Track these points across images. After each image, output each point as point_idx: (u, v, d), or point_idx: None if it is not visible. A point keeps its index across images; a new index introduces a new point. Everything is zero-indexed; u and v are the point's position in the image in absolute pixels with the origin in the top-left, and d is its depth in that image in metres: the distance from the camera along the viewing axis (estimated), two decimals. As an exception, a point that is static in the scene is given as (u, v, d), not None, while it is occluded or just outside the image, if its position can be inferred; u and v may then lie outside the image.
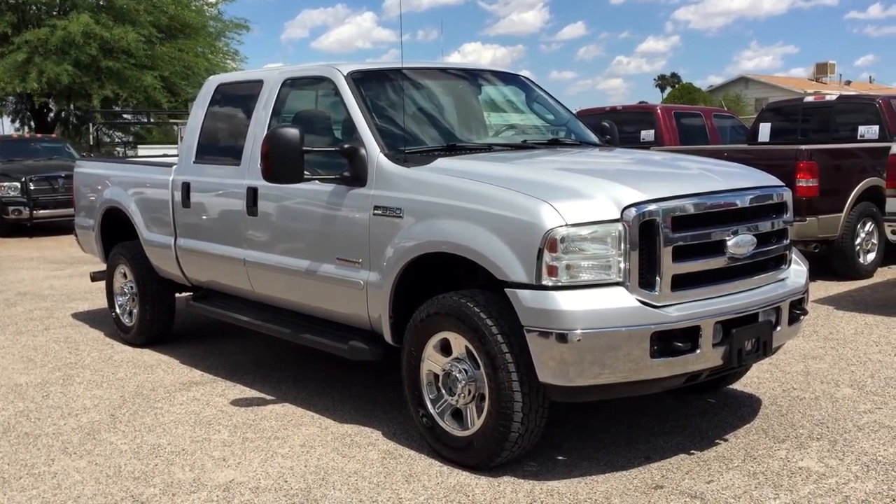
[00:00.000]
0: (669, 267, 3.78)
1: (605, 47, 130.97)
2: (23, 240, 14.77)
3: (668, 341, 3.75)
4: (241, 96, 5.86)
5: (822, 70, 54.70)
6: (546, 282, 3.67)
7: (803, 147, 8.65)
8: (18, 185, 15.17)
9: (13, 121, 27.49)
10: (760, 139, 11.62)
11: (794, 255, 4.64)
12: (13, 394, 5.52)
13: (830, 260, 8.99)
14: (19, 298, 8.96)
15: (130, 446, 4.53)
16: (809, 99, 12.12)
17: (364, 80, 4.99)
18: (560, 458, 4.21)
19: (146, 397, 5.39)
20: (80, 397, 5.42)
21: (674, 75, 70.31)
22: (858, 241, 9.00)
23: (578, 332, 3.61)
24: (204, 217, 5.83)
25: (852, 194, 8.85)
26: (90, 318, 7.81)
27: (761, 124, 11.81)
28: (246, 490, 3.93)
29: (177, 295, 6.75)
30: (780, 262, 4.40)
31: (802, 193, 8.24)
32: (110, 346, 6.79)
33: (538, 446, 4.14)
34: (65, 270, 10.93)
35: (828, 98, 11.76)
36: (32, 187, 15.17)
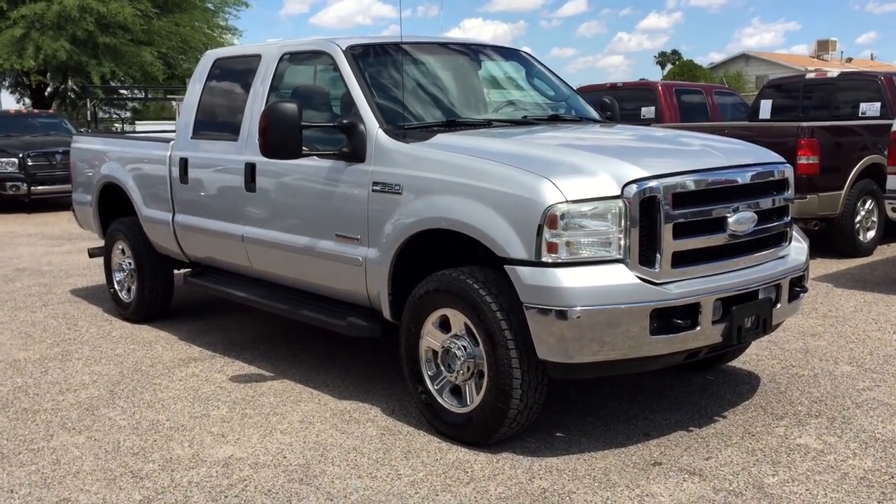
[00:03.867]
0: (670, 244, 3.76)
1: (606, 24, 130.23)
2: (21, 216, 14.73)
3: (668, 318, 3.74)
4: (238, 71, 5.80)
5: (823, 47, 54.41)
6: (546, 258, 3.65)
7: (804, 124, 8.60)
8: (16, 160, 15.11)
9: (12, 93, 27.39)
10: (761, 116, 11.56)
11: (795, 233, 4.62)
12: (12, 369, 5.52)
13: (830, 237, 8.98)
14: (17, 274, 8.95)
15: (129, 422, 4.53)
16: (811, 76, 12.05)
17: (363, 55, 4.94)
18: (559, 434, 4.22)
19: (145, 373, 5.39)
20: (79, 373, 5.42)
21: (674, 52, 69.93)
22: (858, 218, 8.99)
23: (578, 309, 3.60)
24: (202, 193, 5.80)
25: (853, 172, 8.82)
26: (88, 295, 7.80)
27: (762, 101, 11.74)
28: (245, 466, 3.94)
29: (175, 271, 6.73)
30: (780, 239, 4.38)
31: (803, 171, 8.20)
32: (109, 322, 6.78)
33: (537, 423, 4.14)
34: (63, 246, 10.91)
35: (829, 75, 11.69)
36: (30, 163, 15.12)
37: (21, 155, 15.11)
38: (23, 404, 4.85)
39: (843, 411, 4.45)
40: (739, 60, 53.12)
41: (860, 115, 10.44)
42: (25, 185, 15.06)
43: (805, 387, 4.85)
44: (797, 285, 4.40)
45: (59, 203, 14.84)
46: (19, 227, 13.10)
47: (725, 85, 23.29)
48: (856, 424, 4.27)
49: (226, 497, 3.63)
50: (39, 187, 15.16)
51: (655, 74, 65.24)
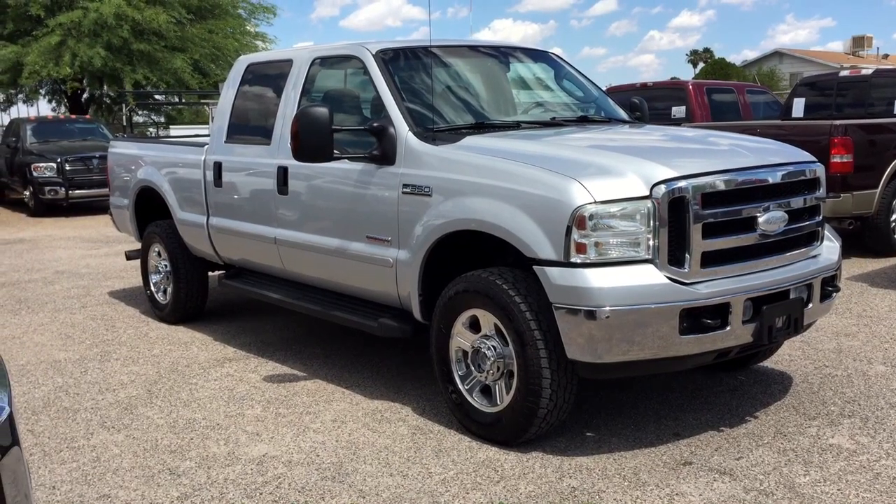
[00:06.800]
0: (699, 244, 3.77)
1: (637, 22, 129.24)
2: (59, 219, 15.03)
3: (698, 318, 3.74)
4: (270, 76, 5.89)
5: (858, 43, 53.50)
6: (575, 259, 3.68)
7: (838, 122, 8.50)
8: (54, 165, 15.45)
9: (49, 101, 27.89)
10: (794, 114, 11.44)
11: (827, 232, 4.59)
12: (53, 370, 5.66)
13: (865, 236, 8.87)
14: (57, 277, 9.14)
15: (167, 421, 4.63)
16: (845, 73, 11.89)
17: (393, 59, 5.00)
18: (589, 434, 4.23)
19: (181, 373, 5.49)
20: (118, 373, 5.54)
21: (706, 50, 69.21)
22: (894, 217, 8.86)
23: (607, 309, 3.61)
24: (235, 196, 5.90)
25: (888, 170, 8.70)
26: (126, 296, 7.95)
27: (795, 99, 11.61)
28: (279, 464, 4.01)
29: (210, 273, 6.85)
30: (812, 238, 4.36)
31: (837, 169, 8.11)
32: (145, 323, 6.91)
33: (567, 422, 4.17)
34: (100, 249, 11.11)
35: (864, 72, 11.53)
36: (68, 168, 15.44)
37: (59, 160, 15.44)
38: (63, 403, 4.97)
39: (876, 411, 4.42)
40: (773, 58, 52.43)
41: (895, 112, 10.29)
42: (64, 189, 15.38)
43: (838, 387, 4.81)
44: (829, 285, 4.38)
45: (97, 206, 15.11)
46: (58, 231, 13.36)
47: (757, 83, 23.03)
48: (889, 424, 4.23)
49: (260, 494, 3.70)
50: (77, 191, 15.48)
51: (687, 73, 64.75)
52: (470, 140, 4.44)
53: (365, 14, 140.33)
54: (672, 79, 15.47)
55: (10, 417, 1.97)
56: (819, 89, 11.69)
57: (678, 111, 12.29)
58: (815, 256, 4.36)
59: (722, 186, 3.88)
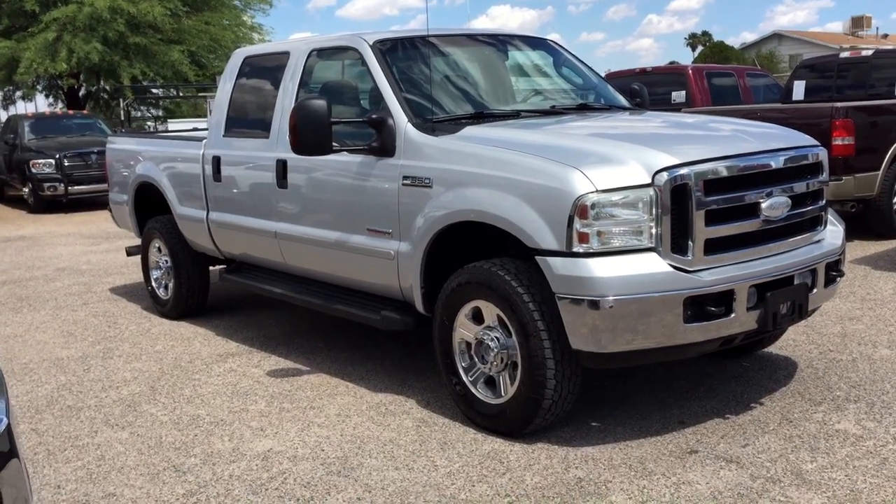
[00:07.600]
0: (702, 231, 3.74)
1: (635, 6, 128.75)
2: (59, 216, 15.00)
3: (702, 306, 3.72)
4: (268, 68, 5.86)
5: (857, 24, 53.24)
6: (577, 249, 3.65)
7: (839, 104, 8.46)
8: (53, 161, 15.40)
9: (47, 96, 27.83)
10: (795, 97, 11.39)
11: (830, 216, 4.56)
12: (55, 368, 5.65)
13: (868, 219, 8.83)
14: (58, 274, 9.13)
15: (170, 417, 4.62)
16: (845, 54, 11.83)
17: (390, 50, 4.96)
18: (594, 424, 4.22)
19: (184, 369, 5.48)
20: (121, 370, 5.53)
21: (705, 34, 69.00)
22: (896, 199, 8.83)
23: (610, 298, 3.59)
24: (235, 190, 5.87)
25: (890, 152, 8.66)
26: (127, 293, 7.94)
27: (795, 82, 11.56)
28: (284, 459, 4.00)
29: (210, 268, 6.83)
30: (815, 223, 4.34)
31: (838, 152, 8.07)
32: (147, 319, 6.90)
33: (572, 413, 4.15)
34: (101, 245, 11.10)
35: (864, 53, 11.47)
36: (67, 164, 15.39)
37: (58, 156, 15.39)
38: (67, 402, 4.97)
39: (882, 396, 4.40)
40: (772, 40, 52.22)
41: (896, 93, 10.24)
42: (63, 185, 15.33)
43: (843, 371, 4.79)
44: (833, 269, 4.35)
45: (96, 202, 15.09)
46: (58, 227, 13.34)
47: (757, 66, 22.93)
48: (895, 409, 4.22)
49: (266, 490, 3.69)
50: (76, 187, 15.43)
51: (686, 57, 64.62)
52: (469, 130, 4.41)
53: (362, 3, 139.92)
54: (671, 63, 15.40)
55: (9, 429, 1.94)
56: (819, 71, 11.64)
57: (678, 96, 12.24)
58: (818, 241, 4.33)
59: (724, 173, 3.85)
